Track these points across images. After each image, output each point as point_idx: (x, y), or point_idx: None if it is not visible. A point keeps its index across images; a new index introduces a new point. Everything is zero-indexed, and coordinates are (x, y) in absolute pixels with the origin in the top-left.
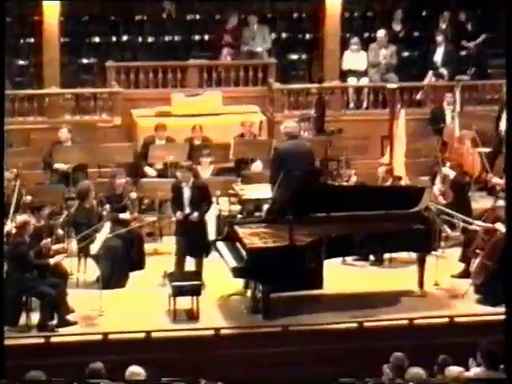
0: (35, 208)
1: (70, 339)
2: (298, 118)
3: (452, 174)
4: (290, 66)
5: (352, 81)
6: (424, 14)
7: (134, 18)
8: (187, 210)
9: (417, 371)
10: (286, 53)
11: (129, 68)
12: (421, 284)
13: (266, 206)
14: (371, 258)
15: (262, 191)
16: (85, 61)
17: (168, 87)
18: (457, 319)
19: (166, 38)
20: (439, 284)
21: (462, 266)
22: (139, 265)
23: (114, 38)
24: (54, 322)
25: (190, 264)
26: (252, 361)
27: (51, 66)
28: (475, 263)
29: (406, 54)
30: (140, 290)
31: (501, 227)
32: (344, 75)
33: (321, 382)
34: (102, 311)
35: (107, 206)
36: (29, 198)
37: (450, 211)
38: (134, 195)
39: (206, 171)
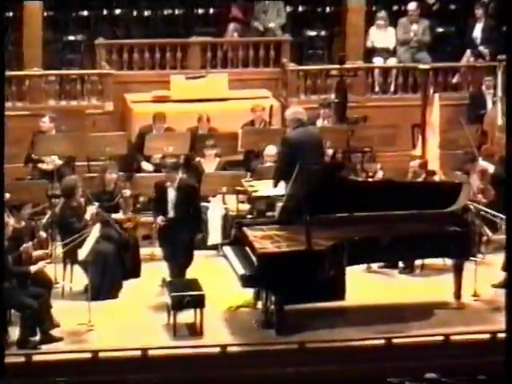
0: (14, 207)
1: (55, 357)
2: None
3: (491, 168)
4: (306, 44)
5: (378, 61)
6: None
7: None
8: (171, 214)
9: None
10: (303, 29)
11: (122, 46)
12: (457, 295)
13: (279, 205)
14: (400, 264)
15: (275, 188)
16: (71, 38)
17: (166, 68)
18: (499, 335)
19: (165, 12)
20: (479, 295)
21: (504, 275)
22: (134, 272)
23: (104, 12)
24: (37, 337)
25: (190, 271)
26: (263, 382)
27: (32, 44)
28: None
29: (440, 29)
30: (135, 301)
31: None
32: (369, 55)
33: None
34: (92, 325)
35: (96, 205)
36: (7, 195)
37: (491, 211)
38: (127, 192)
39: (210, 165)
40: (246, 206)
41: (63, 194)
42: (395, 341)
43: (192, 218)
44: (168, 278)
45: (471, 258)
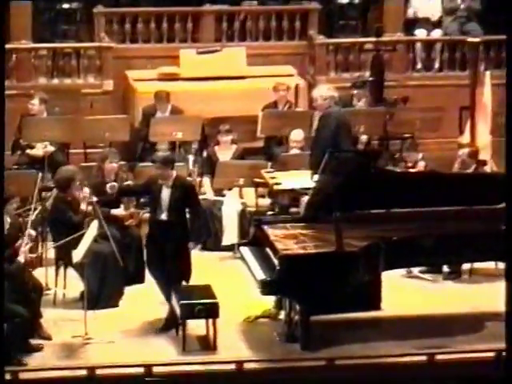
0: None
1: (46, 375)
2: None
3: None
4: (337, 14)
5: (421, 33)
6: None
7: None
8: (163, 216)
9: None
10: None
11: (124, 15)
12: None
13: (305, 200)
14: (445, 269)
15: (301, 179)
16: (65, 6)
17: (175, 42)
18: None
19: None
20: None
21: None
22: (137, 277)
23: None
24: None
25: (202, 276)
26: None
27: (21, 14)
28: None
29: None
30: (138, 310)
31: None
32: (410, 26)
33: None
34: (88, 338)
35: (94, 199)
36: None
37: None
38: (130, 185)
39: (225, 153)
40: (266, 201)
41: (57, 186)
42: (439, 357)
43: (186, 223)
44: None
45: None
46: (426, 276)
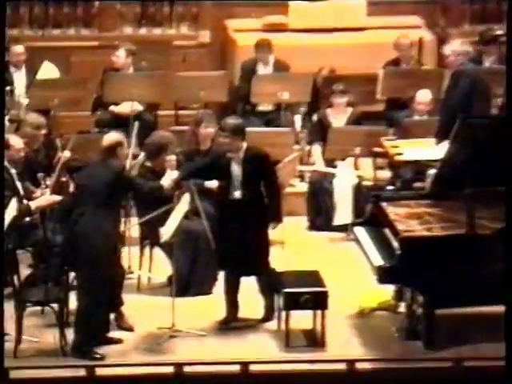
0: (75, 169)
1: (127, 371)
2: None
3: None
4: None
5: None
6: None
7: None
8: (236, 195)
9: None
10: None
11: None
12: None
13: (431, 173)
14: None
15: (427, 149)
16: None
17: None
18: None
19: None
20: None
21: None
22: None
23: None
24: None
25: (309, 260)
26: None
27: None
28: None
29: None
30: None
31: None
32: None
33: None
34: (176, 330)
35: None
36: (67, 153)
37: None
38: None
39: (339, 117)
40: (386, 174)
41: (146, 153)
42: None
43: (264, 200)
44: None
45: None
46: None
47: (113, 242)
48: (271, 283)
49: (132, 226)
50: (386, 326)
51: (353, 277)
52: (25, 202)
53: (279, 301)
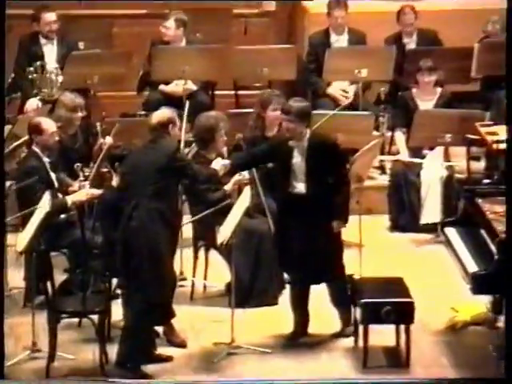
0: (119, 158)
1: None
2: None
3: None
4: None
5: None
6: None
7: None
8: (300, 189)
9: None
10: None
11: None
12: None
13: None
14: None
15: None
16: None
17: None
18: None
19: None
20: None
21: None
22: None
23: None
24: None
25: (392, 265)
26: None
27: None
28: None
29: None
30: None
31: None
32: None
33: None
34: (236, 346)
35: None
36: (108, 139)
37: None
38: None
39: (427, 98)
40: (481, 165)
41: (197, 140)
42: None
43: (330, 196)
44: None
45: None
46: None
47: (176, 235)
48: (346, 292)
49: (184, 225)
50: (482, 344)
51: (442, 285)
52: (60, 196)
53: (356, 313)
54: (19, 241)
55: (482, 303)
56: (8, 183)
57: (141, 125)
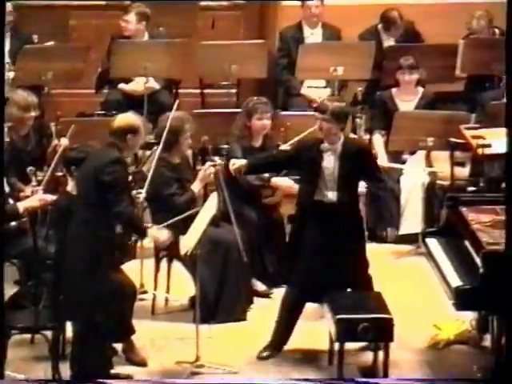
0: (75, 162)
1: None
2: None
3: None
4: None
5: None
6: None
7: None
8: (330, 197)
9: None
10: None
11: None
12: None
13: None
14: None
15: None
16: None
17: None
18: None
19: None
20: None
21: None
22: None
23: None
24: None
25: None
26: None
27: None
28: None
29: None
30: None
31: None
32: None
33: None
34: (201, 365)
35: (217, 161)
36: (64, 140)
37: None
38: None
39: (407, 99)
40: (466, 171)
41: (159, 142)
42: None
43: (358, 206)
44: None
45: None
46: None
47: (108, 251)
48: None
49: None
50: (466, 364)
51: (424, 300)
52: (10, 201)
53: (331, 330)
54: None
55: (466, 320)
56: None
57: (99, 125)
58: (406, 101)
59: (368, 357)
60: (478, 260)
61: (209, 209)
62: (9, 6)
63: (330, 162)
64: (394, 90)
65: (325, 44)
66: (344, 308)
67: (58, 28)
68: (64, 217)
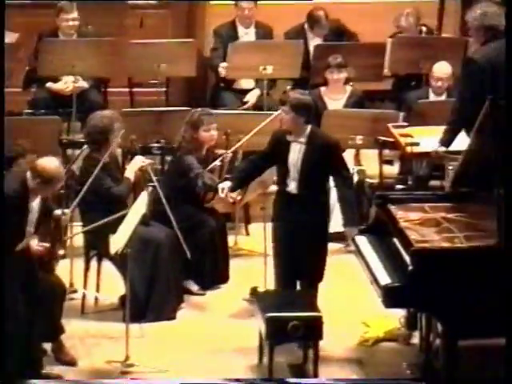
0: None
1: None
2: None
3: None
4: None
5: None
6: None
7: None
8: (291, 188)
9: None
10: None
11: None
12: None
13: (452, 169)
14: None
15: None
16: None
17: None
18: None
19: None
20: None
21: None
22: (216, 275)
23: None
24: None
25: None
26: None
27: None
28: None
29: None
30: (204, 325)
31: None
32: None
33: None
34: (131, 364)
35: (146, 161)
36: None
37: None
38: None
39: (336, 97)
40: (395, 169)
41: (89, 141)
42: None
43: (327, 200)
44: (259, 288)
45: None
46: None
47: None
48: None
49: (75, 235)
50: (395, 361)
51: (353, 298)
52: None
53: (261, 328)
54: None
55: (395, 318)
56: None
57: (27, 125)
58: (335, 99)
59: (298, 354)
60: (406, 258)
61: (138, 208)
62: None
63: (294, 153)
64: (322, 88)
65: (254, 43)
66: (273, 306)
67: None
68: None
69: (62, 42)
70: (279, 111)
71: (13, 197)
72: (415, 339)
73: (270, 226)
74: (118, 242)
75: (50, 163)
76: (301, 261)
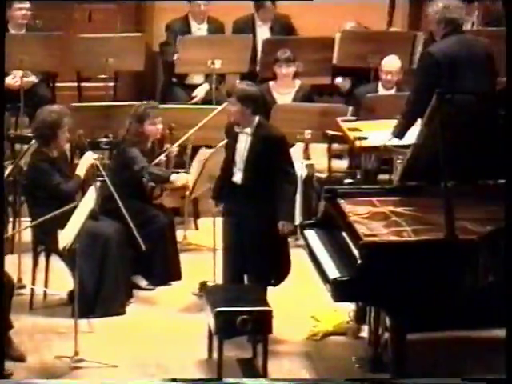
0: None
1: None
2: None
3: None
4: None
5: None
6: None
7: None
8: (238, 176)
9: None
10: None
11: None
12: None
13: (400, 163)
14: None
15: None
16: None
17: None
18: None
19: None
20: None
21: None
22: (167, 272)
23: None
24: None
25: None
26: None
27: None
28: None
29: None
30: (153, 320)
31: None
32: None
33: None
34: (79, 359)
35: (94, 156)
36: None
37: None
38: (174, 151)
39: (285, 92)
40: (344, 164)
41: (37, 136)
42: None
43: (271, 192)
44: (209, 282)
45: None
46: None
47: None
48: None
49: (23, 230)
50: (345, 355)
51: (302, 292)
52: None
53: (210, 323)
54: None
55: (344, 312)
56: None
57: None
58: (284, 93)
59: (248, 349)
60: (355, 251)
61: (87, 202)
62: None
63: (241, 144)
64: (271, 82)
65: (202, 37)
66: (223, 301)
67: None
68: None
69: (9, 37)
70: (224, 104)
71: None
72: (364, 333)
73: (219, 220)
74: (66, 237)
75: None
76: (247, 255)
